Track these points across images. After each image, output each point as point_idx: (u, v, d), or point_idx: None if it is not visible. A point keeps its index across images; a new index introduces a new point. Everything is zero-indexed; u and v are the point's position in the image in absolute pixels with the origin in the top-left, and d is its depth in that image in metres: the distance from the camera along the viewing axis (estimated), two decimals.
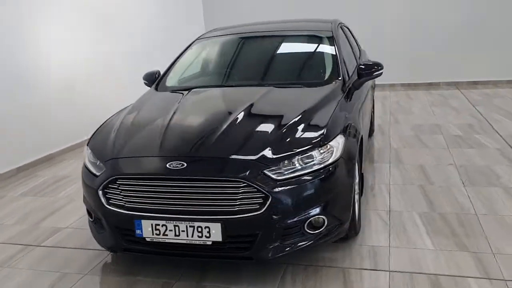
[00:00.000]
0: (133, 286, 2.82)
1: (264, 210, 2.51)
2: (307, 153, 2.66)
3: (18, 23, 5.27)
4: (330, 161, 2.71)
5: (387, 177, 4.34)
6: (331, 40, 3.95)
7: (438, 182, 4.14)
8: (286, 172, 2.58)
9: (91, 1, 6.55)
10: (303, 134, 2.80)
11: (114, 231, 2.77)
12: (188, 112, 3.24)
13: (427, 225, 3.34)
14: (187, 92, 3.67)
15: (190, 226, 2.57)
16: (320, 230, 2.72)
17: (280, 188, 2.55)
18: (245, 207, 2.53)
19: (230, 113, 3.05)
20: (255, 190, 2.51)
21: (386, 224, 3.41)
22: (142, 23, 7.89)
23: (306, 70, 3.92)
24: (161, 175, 2.62)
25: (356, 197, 3.20)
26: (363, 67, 3.77)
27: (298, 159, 2.64)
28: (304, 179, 2.61)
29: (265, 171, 2.54)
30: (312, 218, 2.68)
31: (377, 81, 7.37)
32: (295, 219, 2.62)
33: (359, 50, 5.18)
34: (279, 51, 4.19)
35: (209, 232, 2.55)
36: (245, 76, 3.93)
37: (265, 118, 3.01)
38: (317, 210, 2.67)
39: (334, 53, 3.81)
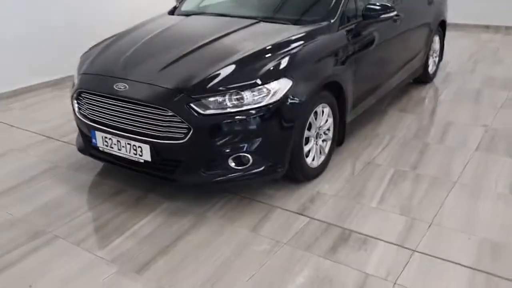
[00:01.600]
0: (98, 186, 3.29)
1: (186, 140, 2.70)
2: (238, 92, 2.72)
3: None
4: (263, 103, 2.74)
5: (400, 130, 4.14)
6: None
7: (450, 142, 3.86)
8: (212, 108, 2.70)
9: None
10: (241, 72, 2.83)
11: (83, 136, 3.21)
12: (162, 37, 3.41)
13: (391, 185, 3.23)
14: (184, 17, 3.82)
15: (127, 143, 2.89)
16: (245, 167, 2.82)
17: (203, 122, 2.69)
18: (170, 134, 2.75)
19: (193, 43, 3.16)
20: (180, 120, 2.69)
21: (351, 175, 3.36)
22: None
23: (303, 6, 3.76)
24: (108, 94, 2.92)
25: (323, 143, 3.28)
26: (369, 8, 3.52)
27: (228, 97, 2.71)
28: (230, 117, 2.71)
29: (191, 104, 2.69)
30: (236, 155, 2.78)
31: (484, 21, 6.61)
32: (216, 153, 2.76)
33: None
34: None
35: (141, 151, 2.85)
36: (248, 8, 3.92)
37: (219, 53, 3.06)
38: (241, 148, 2.77)
39: None
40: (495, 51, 6.88)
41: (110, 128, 2.95)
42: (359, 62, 3.53)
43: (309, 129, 3.11)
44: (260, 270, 2.39)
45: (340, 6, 3.44)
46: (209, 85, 2.73)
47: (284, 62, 2.90)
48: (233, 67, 2.85)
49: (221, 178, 2.82)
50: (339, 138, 3.54)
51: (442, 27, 5.41)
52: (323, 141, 3.31)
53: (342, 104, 3.39)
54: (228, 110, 2.71)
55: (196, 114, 2.67)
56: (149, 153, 2.82)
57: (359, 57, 3.54)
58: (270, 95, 2.76)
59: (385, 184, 3.22)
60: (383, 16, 3.54)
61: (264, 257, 2.50)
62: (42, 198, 3.14)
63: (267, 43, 3.05)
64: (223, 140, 2.74)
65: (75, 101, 3.17)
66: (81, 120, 3.13)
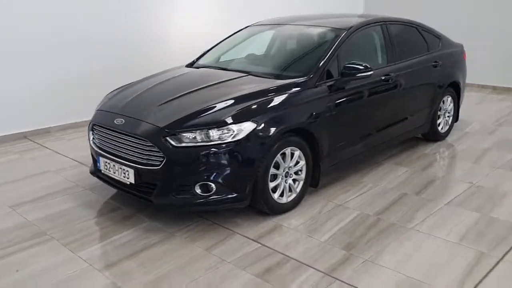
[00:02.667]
0: (100, 203, 3.96)
1: (161, 167, 3.29)
2: (206, 130, 3.28)
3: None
4: (227, 141, 3.28)
5: (385, 180, 4.43)
6: (334, 39, 4.21)
7: (426, 195, 4.11)
8: (184, 141, 3.27)
9: None
10: (212, 114, 3.38)
11: (93, 161, 3.92)
12: (165, 84, 4.07)
13: (349, 225, 3.54)
14: (194, 69, 4.51)
15: (119, 167, 3.53)
16: (209, 194, 3.33)
17: (175, 153, 3.27)
18: (149, 161, 3.35)
19: (186, 90, 3.80)
20: (157, 150, 3.30)
21: (318, 213, 3.73)
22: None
23: (290, 64, 4.31)
24: (109, 127, 3.62)
25: (293, 182, 3.71)
26: (347, 67, 3.98)
27: (198, 133, 3.28)
28: (198, 150, 3.26)
29: (167, 137, 3.29)
30: (202, 182, 3.31)
31: None
32: (185, 180, 3.31)
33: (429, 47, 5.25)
34: (287, 44, 4.64)
35: (128, 174, 3.47)
36: (246, 64, 4.53)
37: (201, 98, 3.63)
38: (206, 177, 3.29)
39: (323, 51, 4.08)
40: None
41: (109, 154, 3.61)
42: (338, 114, 3.95)
43: (277, 167, 3.54)
44: (199, 279, 2.83)
45: (320, 65, 3.93)
46: (184, 123, 3.32)
47: (250, 108, 3.42)
48: (207, 109, 3.42)
49: (188, 202, 3.33)
50: (314, 180, 3.91)
51: (455, 88, 5.62)
52: (293, 180, 3.72)
53: (315, 150, 3.78)
54: (197, 144, 3.26)
55: (170, 146, 3.25)
56: (134, 176, 3.42)
57: (339, 110, 3.96)
58: (234, 134, 3.28)
59: (344, 224, 3.55)
60: (359, 75, 3.97)
61: (205, 270, 2.94)
62: (54, 208, 3.82)
63: (242, 92, 3.61)
64: (191, 169, 3.28)
65: (90, 132, 3.88)
66: (92, 147, 3.84)
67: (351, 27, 4.31)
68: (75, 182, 4.37)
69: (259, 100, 3.53)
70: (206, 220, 3.59)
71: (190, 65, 4.79)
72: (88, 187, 4.24)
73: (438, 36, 5.53)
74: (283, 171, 3.61)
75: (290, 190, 3.74)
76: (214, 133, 3.26)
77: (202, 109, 3.42)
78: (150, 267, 2.98)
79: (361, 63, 3.98)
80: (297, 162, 3.73)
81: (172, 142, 3.25)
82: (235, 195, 3.36)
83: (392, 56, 4.63)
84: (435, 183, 4.34)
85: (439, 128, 5.54)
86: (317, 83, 3.86)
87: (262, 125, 3.38)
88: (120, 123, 3.52)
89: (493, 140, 5.64)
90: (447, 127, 5.69)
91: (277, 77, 3.96)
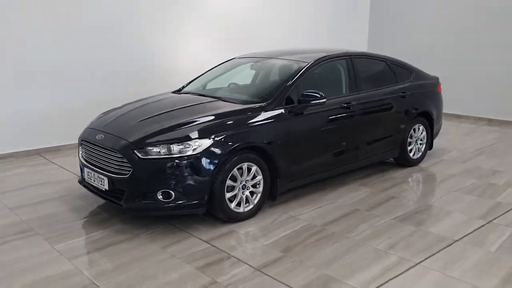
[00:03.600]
0: (86, 209, 4.55)
1: (129, 175, 3.88)
2: (168, 145, 3.86)
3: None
4: (187, 154, 3.84)
5: (344, 198, 4.86)
6: (297, 70, 4.77)
7: (375, 211, 4.51)
8: (149, 154, 3.85)
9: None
10: (174, 131, 3.95)
11: (81, 172, 4.54)
12: (146, 107, 4.67)
13: (294, 233, 3.98)
14: (176, 95, 5.13)
15: (98, 176, 4.14)
16: (169, 201, 3.88)
17: (141, 164, 3.85)
18: (120, 171, 3.95)
19: (160, 111, 4.41)
20: (126, 161, 3.90)
21: (271, 223, 4.20)
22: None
23: (255, 91, 4.89)
24: (92, 141, 4.25)
25: (251, 194, 4.19)
26: (303, 94, 4.52)
27: (161, 147, 3.86)
28: (161, 162, 3.83)
29: (135, 150, 3.88)
30: (163, 190, 3.87)
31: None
32: (149, 187, 3.88)
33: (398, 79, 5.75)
34: (260, 74, 5.23)
35: (103, 182, 4.07)
36: (219, 91, 5.14)
37: (170, 118, 4.22)
38: (167, 185, 3.85)
39: (285, 81, 4.64)
40: (510, 145, 7.18)
41: (91, 165, 4.22)
42: (296, 136, 4.48)
43: (235, 180, 4.07)
44: (148, 270, 3.35)
45: (279, 92, 4.49)
46: (150, 138, 3.89)
47: (208, 127, 3.99)
48: (171, 127, 4.00)
49: (152, 207, 3.88)
50: (272, 194, 4.41)
51: (427, 118, 6.05)
52: (251, 192, 4.22)
53: (272, 166, 4.29)
54: (160, 157, 3.83)
55: (137, 158, 3.84)
56: (107, 183, 4.01)
57: (296, 132, 4.49)
58: (192, 149, 3.84)
59: (290, 232, 4.01)
60: (313, 102, 4.50)
61: (155, 263, 3.46)
62: (46, 211, 4.44)
63: (205, 114, 4.18)
64: (154, 178, 3.84)
65: (80, 147, 4.52)
66: (80, 160, 4.47)
67: (313, 61, 4.85)
68: (69, 191, 4.99)
69: (218, 120, 4.09)
70: (170, 224, 4.12)
71: (177, 91, 5.41)
72: (79, 195, 4.84)
73: (410, 69, 5.99)
74: (240, 183, 4.12)
75: (247, 201, 4.21)
76: (175, 148, 3.83)
77: (167, 127, 4.00)
78: (111, 259, 3.52)
79: (316, 92, 4.50)
80: (255, 176, 4.22)
81: (139, 155, 3.83)
82: (193, 202, 3.89)
83: (355, 86, 5.13)
84: (389, 202, 4.74)
85: (411, 154, 5.93)
86: (275, 108, 4.39)
87: (218, 142, 3.92)
88: (100, 138, 4.14)
89: (464, 167, 5.98)
90: (420, 153, 6.08)
91: (243, 102, 4.51)
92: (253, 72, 5.39)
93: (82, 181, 4.47)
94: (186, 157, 3.80)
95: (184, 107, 4.47)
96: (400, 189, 5.15)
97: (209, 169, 3.86)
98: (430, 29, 10.04)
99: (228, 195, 4.04)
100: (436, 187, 5.25)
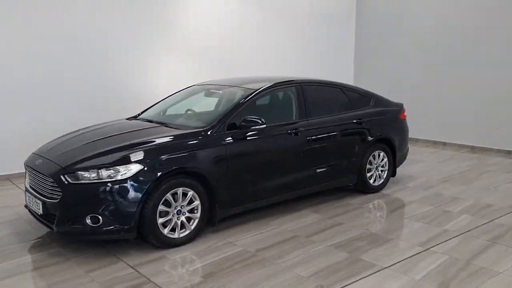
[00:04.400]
0: (30, 232, 4.61)
1: (59, 200, 3.96)
2: (97, 170, 3.94)
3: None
4: (115, 179, 3.91)
5: (289, 224, 4.85)
6: (242, 97, 4.85)
7: (315, 237, 4.48)
8: (79, 179, 3.93)
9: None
10: (105, 157, 4.03)
11: (25, 196, 4.64)
12: (90, 132, 4.77)
13: (225, 259, 4.00)
14: (127, 121, 5.24)
15: (35, 200, 4.23)
16: (97, 225, 3.93)
17: (70, 188, 3.93)
18: (52, 195, 4.03)
19: (100, 136, 4.51)
20: (56, 185, 3.99)
21: (206, 249, 4.20)
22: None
23: (200, 116, 4.97)
24: (31, 166, 4.36)
25: (187, 220, 4.22)
26: (244, 120, 4.58)
27: (90, 172, 3.94)
28: (90, 186, 3.90)
29: (65, 175, 3.96)
30: (91, 215, 3.93)
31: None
32: (78, 212, 3.94)
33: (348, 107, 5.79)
34: (209, 101, 5.31)
35: (39, 206, 4.15)
36: (171, 116, 5.22)
37: (107, 143, 4.29)
38: (95, 210, 3.91)
39: (228, 107, 4.72)
40: (483, 172, 7.10)
41: (31, 190, 4.32)
42: (238, 161, 4.52)
43: (169, 205, 4.11)
44: None
45: (220, 118, 4.56)
46: (80, 163, 3.98)
47: (140, 152, 4.05)
48: (104, 152, 4.08)
49: (82, 231, 3.93)
50: (212, 220, 4.43)
51: (388, 145, 6.04)
52: (188, 218, 4.25)
53: (211, 192, 4.33)
54: (89, 182, 3.90)
55: (66, 182, 3.92)
56: (42, 207, 4.09)
57: (238, 158, 4.53)
58: (121, 174, 3.90)
59: (220, 258, 4.01)
60: (253, 127, 4.56)
61: (75, 287, 3.50)
62: None
63: (142, 139, 4.26)
64: (83, 203, 3.90)
65: (26, 172, 4.63)
66: (24, 185, 4.57)
67: (259, 88, 4.93)
68: (21, 215, 5.07)
69: (151, 145, 4.15)
70: (104, 249, 4.16)
71: (133, 117, 5.51)
72: (28, 220, 4.92)
73: (369, 96, 6.03)
74: (174, 209, 4.15)
75: (184, 226, 4.24)
76: (103, 173, 3.90)
77: (100, 152, 4.09)
78: (37, 280, 3.58)
79: (257, 118, 4.56)
80: (192, 202, 4.25)
81: (69, 179, 3.90)
82: (121, 227, 3.93)
83: (305, 113, 5.17)
84: (333, 228, 4.72)
85: (371, 181, 5.90)
86: (215, 133, 4.45)
87: (149, 167, 3.98)
88: (38, 163, 4.25)
89: (424, 194, 5.93)
90: (382, 180, 6.05)
91: (187, 128, 4.58)
92: (204, 98, 5.48)
93: (26, 206, 4.55)
94: (114, 182, 3.87)
95: (126, 132, 4.56)
96: (350, 215, 5.12)
97: (138, 195, 3.91)
98: (415, 58, 10.08)
99: (161, 220, 4.07)
100: (388, 214, 5.22)
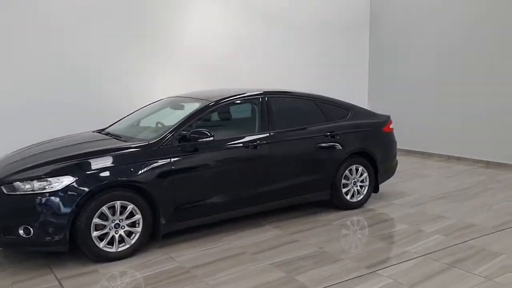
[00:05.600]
0: None
1: None
2: (30, 181, 3.95)
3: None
4: (46, 191, 3.90)
5: (243, 240, 4.68)
6: (196, 110, 4.77)
7: (264, 254, 4.29)
8: (14, 190, 3.94)
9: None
10: (39, 168, 4.02)
11: None
12: (50, 144, 4.77)
13: (157, 275, 3.89)
14: (90, 133, 5.25)
15: None
16: (29, 237, 3.93)
17: (5, 199, 3.96)
18: None
19: (49, 148, 4.54)
20: None
21: (142, 264, 4.12)
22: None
23: (153, 129, 4.95)
24: None
25: (126, 234, 4.16)
26: (192, 132, 4.48)
27: (23, 184, 3.95)
28: (22, 198, 3.90)
29: (1, 186, 4.01)
30: (24, 226, 3.93)
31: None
32: (10, 222, 3.95)
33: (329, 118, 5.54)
34: (168, 113, 5.23)
35: None
36: (131, 129, 5.17)
37: (52, 155, 4.30)
38: (27, 221, 3.91)
39: (180, 119, 4.64)
40: (486, 189, 6.61)
41: None
42: (186, 175, 4.43)
43: (106, 218, 4.06)
44: None
45: (169, 130, 4.50)
46: (16, 175, 4.00)
47: (74, 164, 4.03)
48: (42, 163, 4.08)
49: (15, 242, 3.93)
50: (156, 234, 4.33)
51: (368, 159, 5.74)
52: (127, 232, 4.18)
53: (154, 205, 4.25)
54: (22, 192, 3.91)
55: (3, 193, 3.95)
56: None
57: (186, 170, 4.44)
58: (52, 186, 3.90)
59: (150, 274, 3.90)
60: (200, 140, 4.44)
61: None
62: None
63: (84, 151, 4.24)
64: (15, 213, 3.92)
65: None
66: None
67: (215, 101, 4.82)
68: None
69: (88, 157, 4.12)
70: (43, 260, 4.15)
71: (101, 130, 5.52)
72: None
73: (347, 108, 5.76)
74: (112, 222, 4.09)
75: (123, 240, 4.16)
76: (36, 184, 3.90)
77: (37, 164, 4.10)
78: None
79: (206, 130, 4.44)
80: (133, 215, 4.18)
81: (4, 190, 3.93)
82: (52, 239, 3.90)
83: (267, 126, 4.99)
84: (286, 245, 4.49)
85: (347, 197, 5.60)
86: (161, 146, 4.36)
87: (83, 179, 3.95)
88: None
89: (406, 212, 5.57)
90: (361, 196, 5.74)
91: (136, 140, 4.55)
92: (166, 111, 5.42)
93: None
94: (46, 194, 3.87)
95: (75, 144, 4.58)
96: (312, 233, 4.87)
97: (69, 207, 3.88)
98: (430, 70, 9.58)
99: (96, 233, 4.01)
100: (354, 232, 4.93)
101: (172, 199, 4.34)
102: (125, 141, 4.57)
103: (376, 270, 3.89)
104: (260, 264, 4.04)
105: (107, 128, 5.49)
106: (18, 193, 3.89)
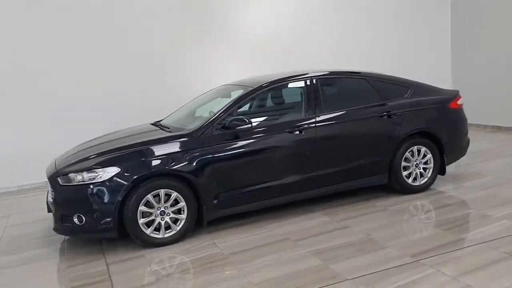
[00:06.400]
0: None
1: (53, 200, 4.38)
2: (80, 173, 4.26)
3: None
4: (94, 181, 4.19)
5: (288, 227, 4.62)
6: (238, 97, 4.79)
7: (299, 240, 4.24)
8: (71, 181, 4.25)
9: None
10: (88, 161, 4.31)
11: None
12: (108, 136, 5.09)
13: (189, 260, 4.01)
14: (142, 125, 5.50)
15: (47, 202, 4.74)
16: (83, 224, 4.25)
17: (61, 190, 4.31)
18: (51, 197, 4.47)
19: (105, 141, 4.83)
20: (52, 187, 4.41)
21: (186, 250, 4.27)
22: None
23: (198, 118, 4.98)
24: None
25: (170, 221, 4.31)
26: (230, 121, 4.52)
27: (74, 175, 4.26)
28: (75, 188, 4.22)
29: (57, 178, 4.35)
30: (77, 214, 4.27)
31: None
32: (66, 211, 4.30)
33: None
34: (216, 102, 5.25)
35: (47, 208, 4.65)
36: (183, 120, 5.24)
37: (100, 147, 4.59)
38: (80, 210, 4.22)
39: (221, 107, 4.69)
40: None
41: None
42: (224, 163, 4.47)
43: (152, 206, 4.26)
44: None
45: (210, 119, 4.58)
46: (68, 167, 4.32)
47: (119, 156, 4.27)
48: (90, 157, 4.37)
49: (71, 229, 4.27)
50: (201, 222, 4.45)
51: (432, 139, 5.37)
52: (173, 219, 4.34)
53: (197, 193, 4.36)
54: (74, 183, 4.23)
55: (58, 185, 4.31)
56: (47, 207, 4.55)
57: (226, 159, 4.48)
58: (99, 176, 4.17)
59: (189, 259, 4.03)
60: (239, 128, 4.46)
61: (49, 280, 3.88)
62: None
63: (130, 143, 4.45)
64: (70, 203, 4.25)
65: None
66: None
67: (258, 86, 4.79)
68: None
69: (134, 149, 4.33)
70: (99, 246, 4.47)
71: (157, 122, 5.70)
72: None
73: (406, 85, 5.42)
74: (157, 210, 4.28)
75: (170, 227, 4.34)
76: (85, 175, 4.19)
77: (88, 156, 4.39)
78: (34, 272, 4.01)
79: (244, 117, 4.45)
80: (177, 202, 4.34)
81: (60, 181, 4.28)
82: (102, 226, 4.18)
83: (314, 109, 4.86)
84: (331, 232, 4.37)
85: (409, 180, 5.30)
86: (201, 135, 4.46)
87: (126, 169, 4.16)
88: (49, 168, 4.71)
89: (475, 196, 5.14)
90: (426, 179, 5.39)
91: (181, 130, 4.68)
92: (215, 100, 5.47)
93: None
94: (94, 184, 4.12)
95: (127, 136, 4.82)
96: (364, 219, 4.68)
97: (115, 196, 4.11)
98: None
99: (142, 220, 4.22)
100: (409, 218, 4.63)
101: (214, 187, 4.39)
102: (171, 131, 4.69)
103: (421, 259, 3.64)
104: (300, 251, 3.97)
105: (163, 119, 5.66)
106: (72, 184, 4.19)
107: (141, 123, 5.68)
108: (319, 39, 8.73)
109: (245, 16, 8.16)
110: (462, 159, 5.86)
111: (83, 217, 4.16)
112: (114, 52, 7.29)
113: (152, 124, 5.40)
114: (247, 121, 4.40)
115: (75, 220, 4.20)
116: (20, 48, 6.80)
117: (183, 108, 5.70)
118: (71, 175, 4.21)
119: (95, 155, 4.34)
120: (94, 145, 4.75)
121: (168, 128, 4.92)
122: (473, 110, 7.16)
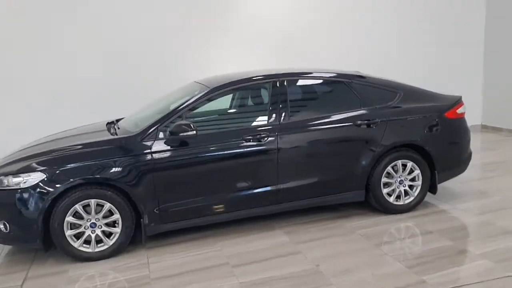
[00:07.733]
0: None
1: None
2: (6, 177, 3.92)
3: None
4: (21, 187, 3.81)
5: (237, 247, 4.15)
6: (189, 98, 4.30)
7: (241, 266, 3.76)
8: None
9: None
10: (16, 164, 3.94)
11: None
12: (58, 135, 4.73)
13: (116, 283, 3.63)
14: (94, 124, 5.09)
15: None
16: (6, 232, 3.93)
17: None
18: None
19: (45, 141, 4.50)
20: None
21: (115, 267, 3.89)
22: None
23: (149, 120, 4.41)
24: None
25: (101, 234, 3.95)
26: (174, 126, 4.04)
27: (3, 179, 3.90)
28: (2, 192, 3.85)
29: None
30: (3, 220, 3.92)
31: None
32: None
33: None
34: (171, 102, 4.77)
35: None
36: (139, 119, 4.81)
37: (37, 149, 4.26)
38: (4, 216, 3.87)
39: (171, 110, 4.22)
40: None
41: None
42: (166, 173, 4.02)
43: (80, 217, 3.90)
44: None
45: (152, 122, 4.12)
46: (2, 169, 3.98)
47: (45, 160, 3.89)
48: (19, 159, 4.02)
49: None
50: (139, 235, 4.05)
51: (421, 152, 4.69)
52: (103, 232, 3.97)
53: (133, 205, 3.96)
54: (2, 188, 3.87)
55: None
56: None
57: (168, 169, 4.03)
58: (24, 181, 3.82)
59: (113, 280, 3.65)
60: (181, 134, 3.97)
61: None
62: None
63: (64, 146, 4.09)
64: None
65: None
66: None
67: (213, 88, 4.30)
68: None
69: (63, 152, 3.96)
70: (32, 256, 4.15)
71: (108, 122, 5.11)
72: None
73: (394, 90, 4.73)
74: (87, 221, 3.91)
75: (102, 241, 3.96)
76: (11, 180, 3.86)
77: (18, 159, 4.05)
78: None
79: (187, 124, 3.97)
80: (112, 214, 3.95)
81: None
82: (27, 236, 3.85)
83: (277, 115, 4.31)
84: (278, 258, 3.86)
85: (390, 199, 4.66)
86: (142, 141, 4.02)
87: (52, 176, 3.79)
88: None
89: (465, 222, 4.45)
90: (411, 198, 4.72)
91: (125, 132, 4.25)
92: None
93: None
94: (19, 190, 3.79)
95: (69, 137, 4.46)
96: (321, 243, 4.13)
97: (39, 204, 3.76)
98: None
99: (70, 232, 3.87)
100: (373, 248, 4.00)
101: (155, 199, 3.95)
102: (116, 134, 4.28)
103: None
104: (229, 282, 3.48)
105: (124, 118, 5.19)
106: (0, 188, 3.85)
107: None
108: (333, 36, 8.06)
109: (247, 14, 7.64)
110: (472, 173, 5.10)
111: (8, 225, 3.82)
112: (114, 52, 6.99)
113: (108, 123, 4.97)
114: (192, 127, 3.90)
115: (1, 227, 3.89)
116: (17, 46, 6.61)
117: (150, 104, 5.23)
118: (2, 178, 3.87)
119: (23, 158, 3.98)
120: (35, 145, 4.40)
121: (119, 128, 4.49)
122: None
